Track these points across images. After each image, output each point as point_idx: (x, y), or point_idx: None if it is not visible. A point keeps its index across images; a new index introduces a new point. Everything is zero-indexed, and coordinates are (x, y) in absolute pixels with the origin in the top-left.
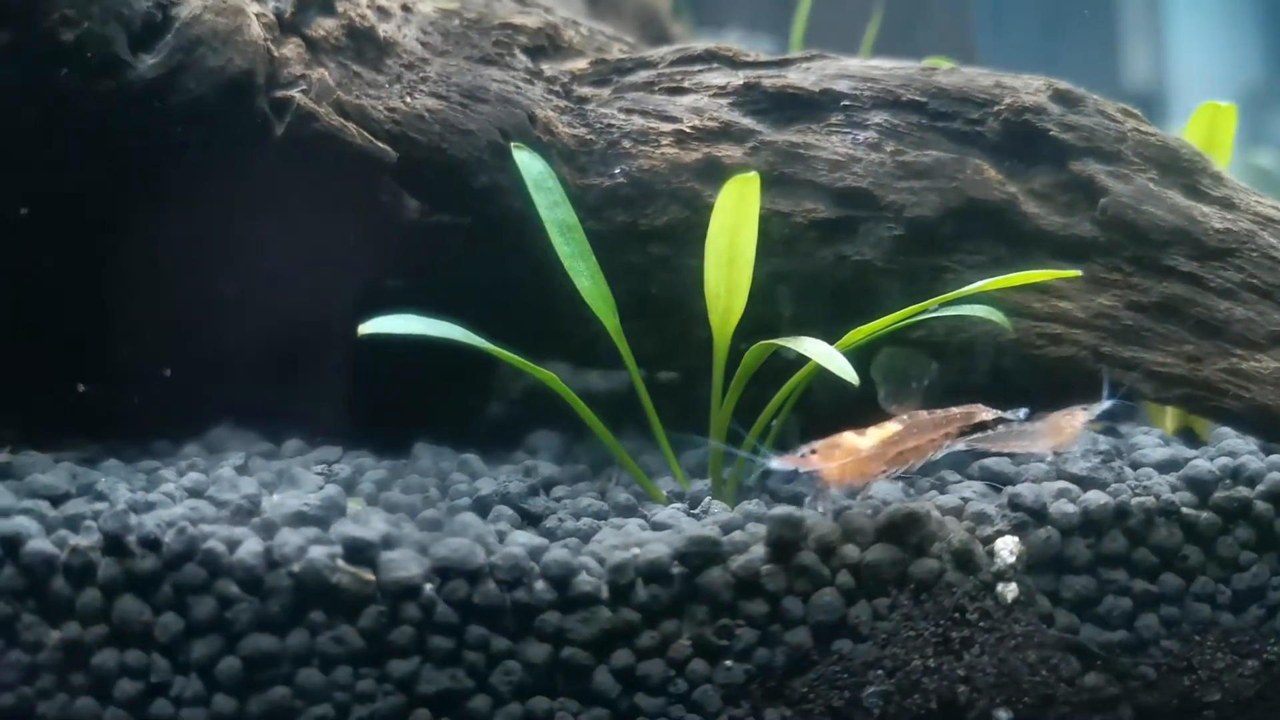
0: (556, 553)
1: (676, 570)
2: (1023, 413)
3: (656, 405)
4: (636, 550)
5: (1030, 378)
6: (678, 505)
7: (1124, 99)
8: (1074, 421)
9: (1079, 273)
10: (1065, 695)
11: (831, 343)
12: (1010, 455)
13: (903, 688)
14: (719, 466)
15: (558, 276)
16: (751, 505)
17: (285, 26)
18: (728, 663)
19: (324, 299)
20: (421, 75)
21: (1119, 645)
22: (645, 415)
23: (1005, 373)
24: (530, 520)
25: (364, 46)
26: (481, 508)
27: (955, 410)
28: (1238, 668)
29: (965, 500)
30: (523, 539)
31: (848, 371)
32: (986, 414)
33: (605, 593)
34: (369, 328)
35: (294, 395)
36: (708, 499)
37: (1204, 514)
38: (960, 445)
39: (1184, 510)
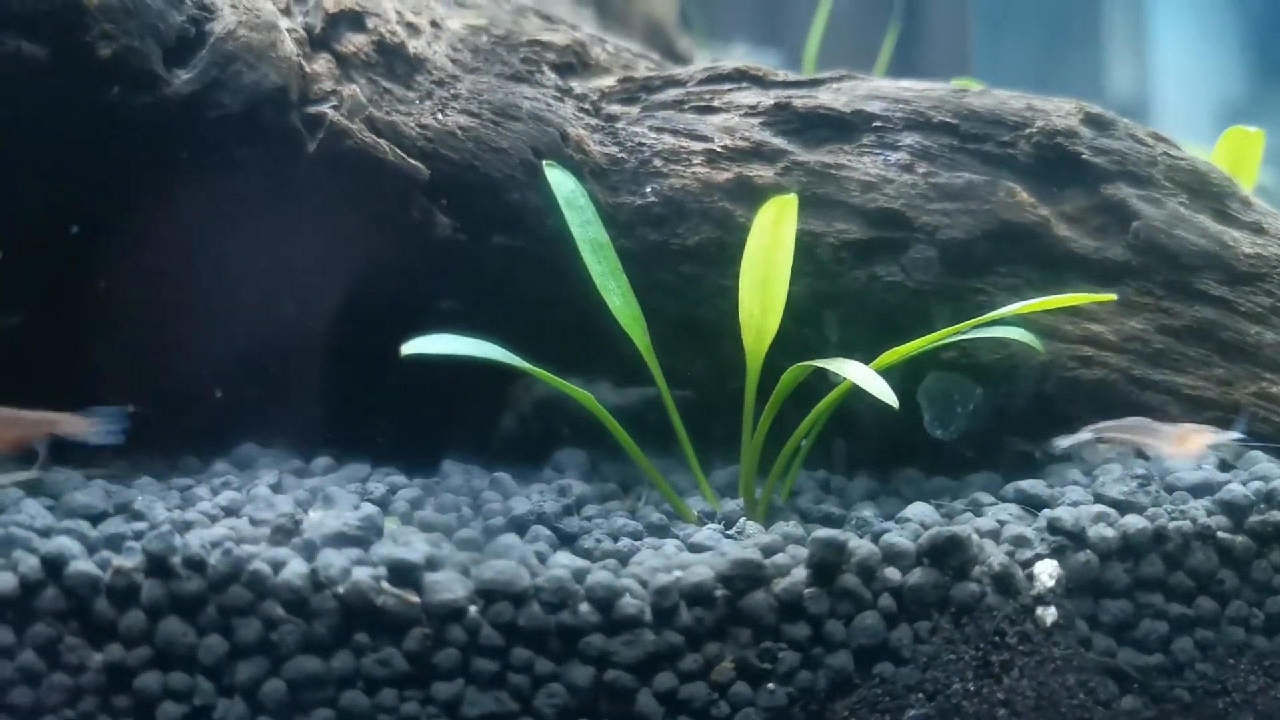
0: (600, 575)
1: (720, 593)
2: None
3: (690, 423)
4: (679, 573)
5: (1064, 400)
6: (713, 526)
7: (1128, 109)
8: (1202, 439)
9: (1115, 296)
10: (1102, 718)
11: (864, 364)
12: (1126, 447)
13: (943, 711)
14: (751, 486)
15: (590, 294)
16: (789, 526)
17: (315, 42)
18: (770, 685)
19: (355, 315)
20: (453, 92)
21: (1155, 668)
22: (670, 433)
23: (1040, 395)
24: (566, 540)
25: (394, 63)
26: (517, 527)
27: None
28: (1271, 690)
29: (1002, 523)
30: (565, 560)
31: (887, 394)
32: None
33: (649, 615)
34: (412, 348)
35: (319, 411)
36: (742, 520)
37: (1239, 538)
38: (1086, 432)
39: (1220, 534)
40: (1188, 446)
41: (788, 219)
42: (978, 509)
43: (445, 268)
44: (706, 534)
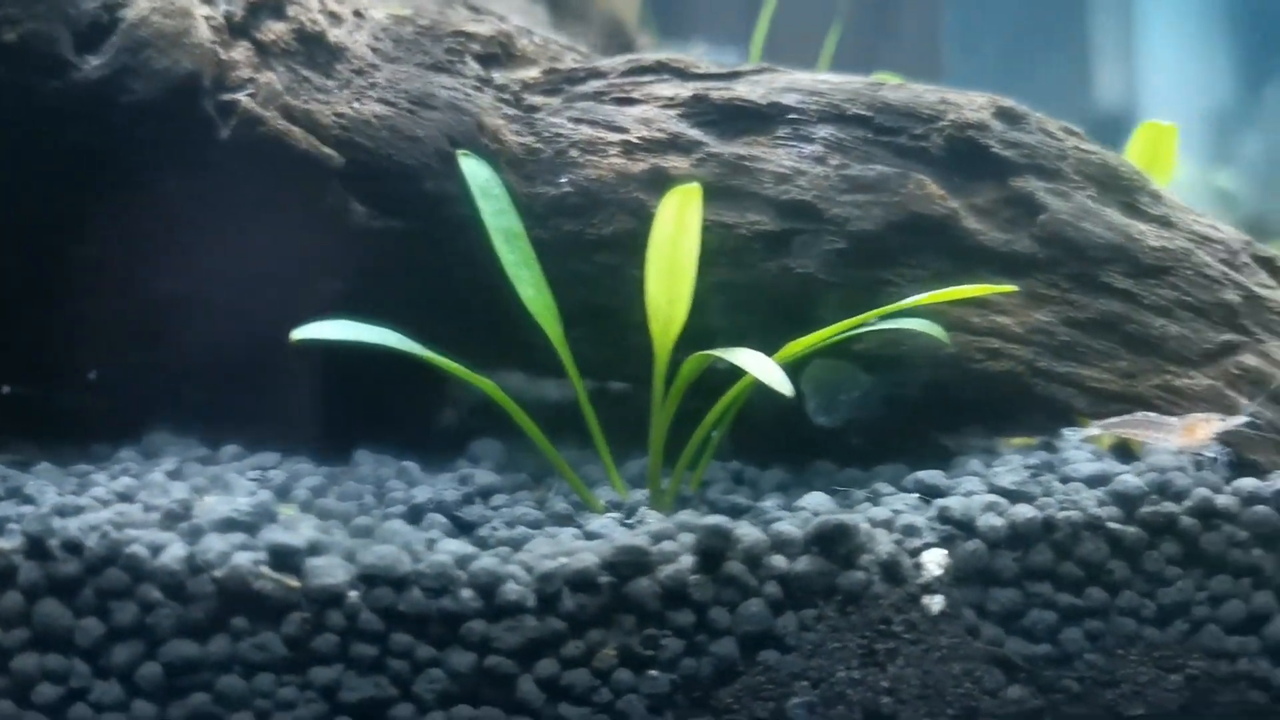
0: (484, 561)
1: (604, 580)
2: None
3: (612, 415)
4: (565, 559)
5: (970, 392)
6: (612, 515)
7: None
8: (1209, 427)
9: (1015, 288)
10: (989, 707)
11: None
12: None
13: (828, 698)
14: (658, 476)
15: (507, 284)
16: (684, 515)
17: (235, 30)
18: (653, 672)
19: (268, 303)
20: (371, 81)
21: (1043, 658)
22: (612, 424)
23: (944, 386)
24: (464, 528)
25: (314, 51)
26: (416, 515)
27: None
28: (1161, 682)
29: (897, 512)
30: (452, 547)
31: (783, 384)
32: None
33: (532, 601)
34: (301, 333)
35: (238, 400)
36: (642, 509)
37: (1130, 529)
38: (1095, 428)
39: (1110, 525)
40: (1195, 436)
41: (692, 208)
42: (876, 499)
43: (361, 256)
44: (603, 523)
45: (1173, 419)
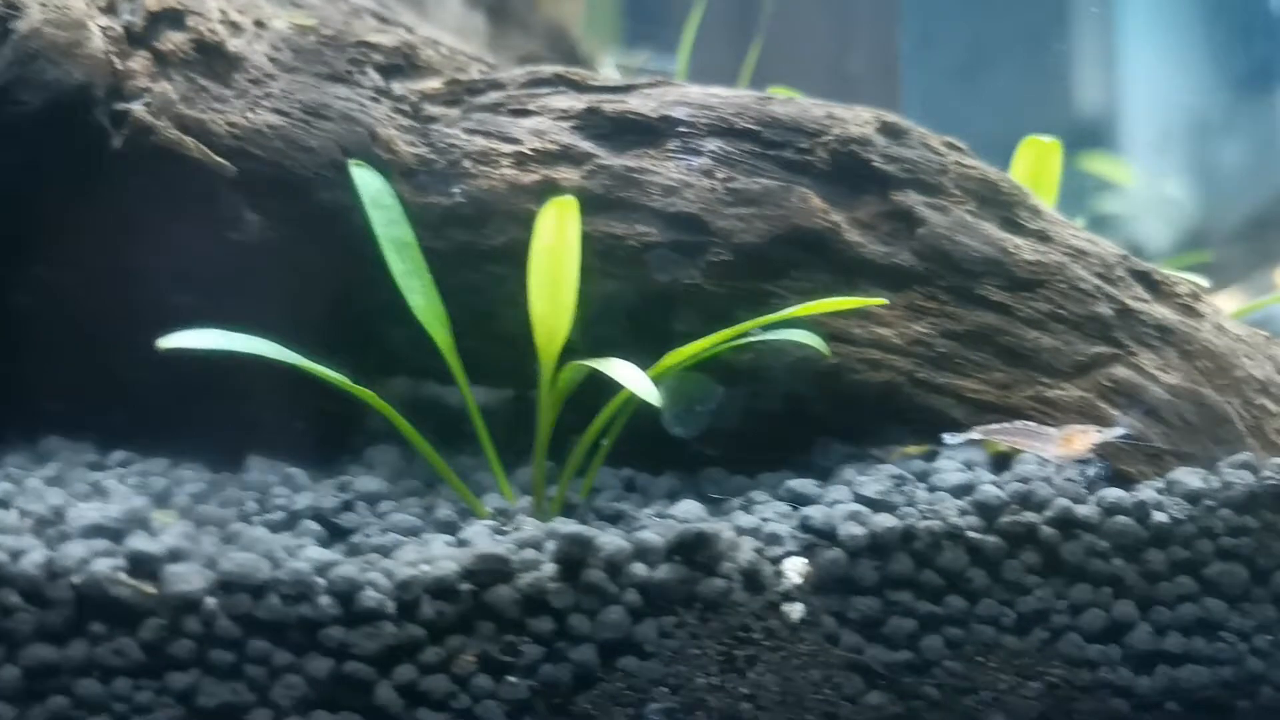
0: (344, 568)
1: (464, 587)
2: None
3: (517, 424)
4: (426, 567)
5: (853, 402)
6: (489, 522)
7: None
8: (1086, 438)
9: (885, 300)
10: (849, 714)
11: None
12: (1018, 450)
13: (687, 705)
14: (542, 484)
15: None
16: (558, 523)
17: (134, 40)
18: (512, 678)
19: (162, 312)
20: (266, 91)
21: (903, 665)
22: (524, 432)
23: (829, 395)
24: (339, 535)
25: (213, 61)
26: (293, 522)
27: None
28: (1020, 689)
29: (765, 520)
30: (313, 554)
31: (651, 394)
32: None
33: (391, 608)
34: (169, 342)
35: (137, 408)
36: (520, 516)
37: (990, 538)
38: (976, 433)
39: (970, 534)
40: (1073, 447)
41: (570, 220)
42: (749, 506)
43: (254, 266)
44: (476, 530)
45: (1051, 429)
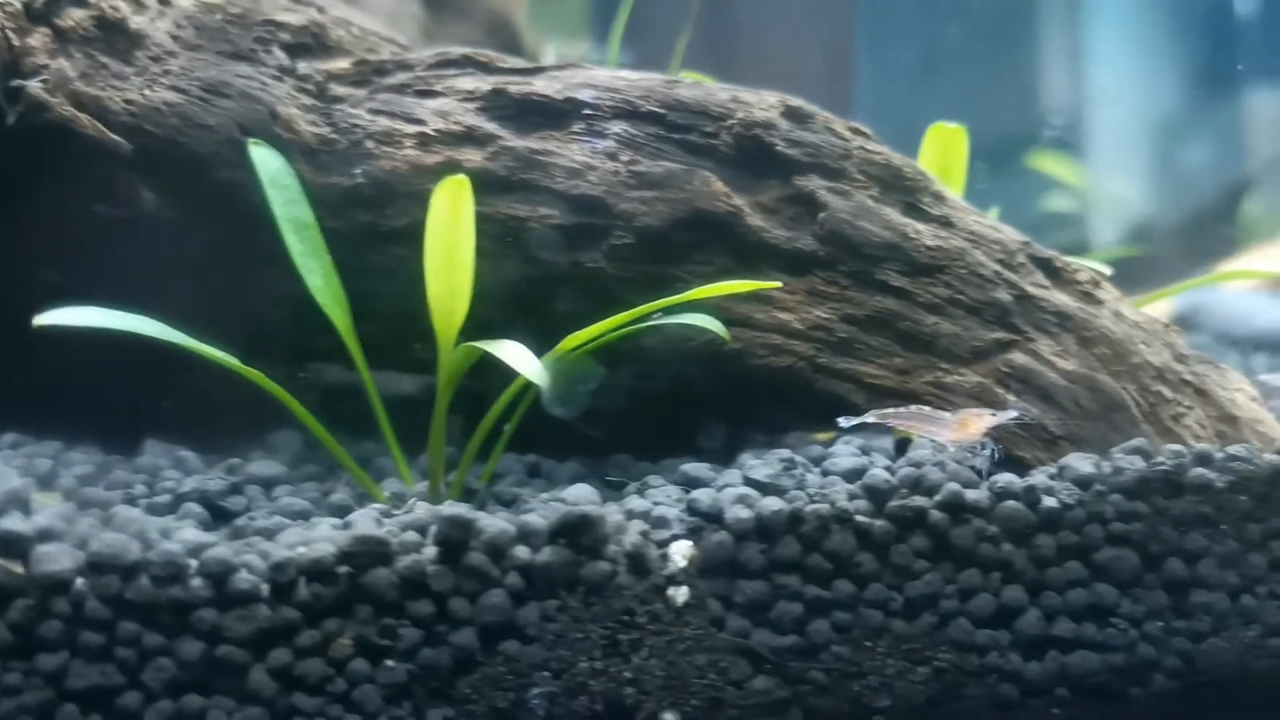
0: (217, 550)
1: (341, 570)
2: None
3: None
4: (302, 549)
5: (756, 386)
6: (379, 506)
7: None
8: (980, 422)
9: (780, 284)
10: (734, 698)
11: None
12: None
13: (569, 689)
14: (439, 468)
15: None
16: (447, 507)
17: (35, 16)
18: (390, 662)
19: (54, 291)
20: (166, 68)
21: (790, 650)
22: (384, 414)
23: (731, 380)
24: (223, 518)
25: (114, 38)
26: (177, 504)
27: None
28: (908, 674)
29: (656, 504)
30: (189, 536)
31: (539, 375)
32: None
33: (265, 591)
34: (46, 319)
35: (36, 391)
36: (413, 500)
37: (878, 522)
38: (870, 417)
39: (858, 518)
40: (968, 431)
41: (463, 201)
42: (644, 490)
43: (151, 244)
44: (365, 514)
45: (946, 413)
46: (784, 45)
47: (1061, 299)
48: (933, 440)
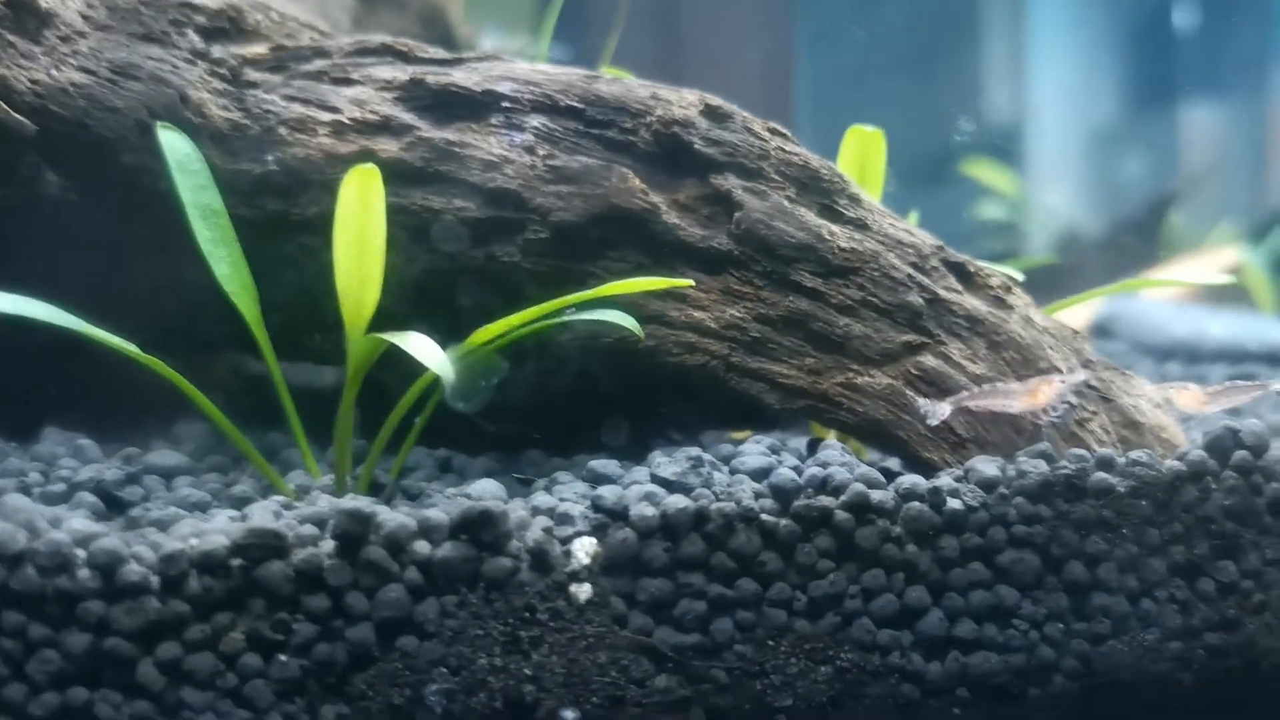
0: (106, 541)
1: (235, 563)
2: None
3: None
4: (194, 541)
5: (670, 385)
6: (280, 498)
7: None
8: (1051, 386)
9: (692, 282)
10: (635, 696)
11: None
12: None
13: (468, 686)
14: (345, 460)
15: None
16: (347, 501)
17: None
18: (283, 657)
19: None
20: (75, 49)
21: (692, 648)
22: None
23: (645, 377)
24: (118, 508)
25: (23, 16)
26: (71, 494)
27: None
28: (811, 673)
29: (562, 500)
30: (77, 525)
31: (445, 369)
32: None
33: (155, 583)
34: None
35: None
36: (315, 492)
37: (784, 521)
38: (947, 405)
39: (764, 517)
40: (1039, 398)
41: (373, 190)
42: (552, 486)
43: (55, 228)
44: (264, 506)
45: (1015, 386)
46: (724, 50)
47: (973, 303)
48: (1005, 413)
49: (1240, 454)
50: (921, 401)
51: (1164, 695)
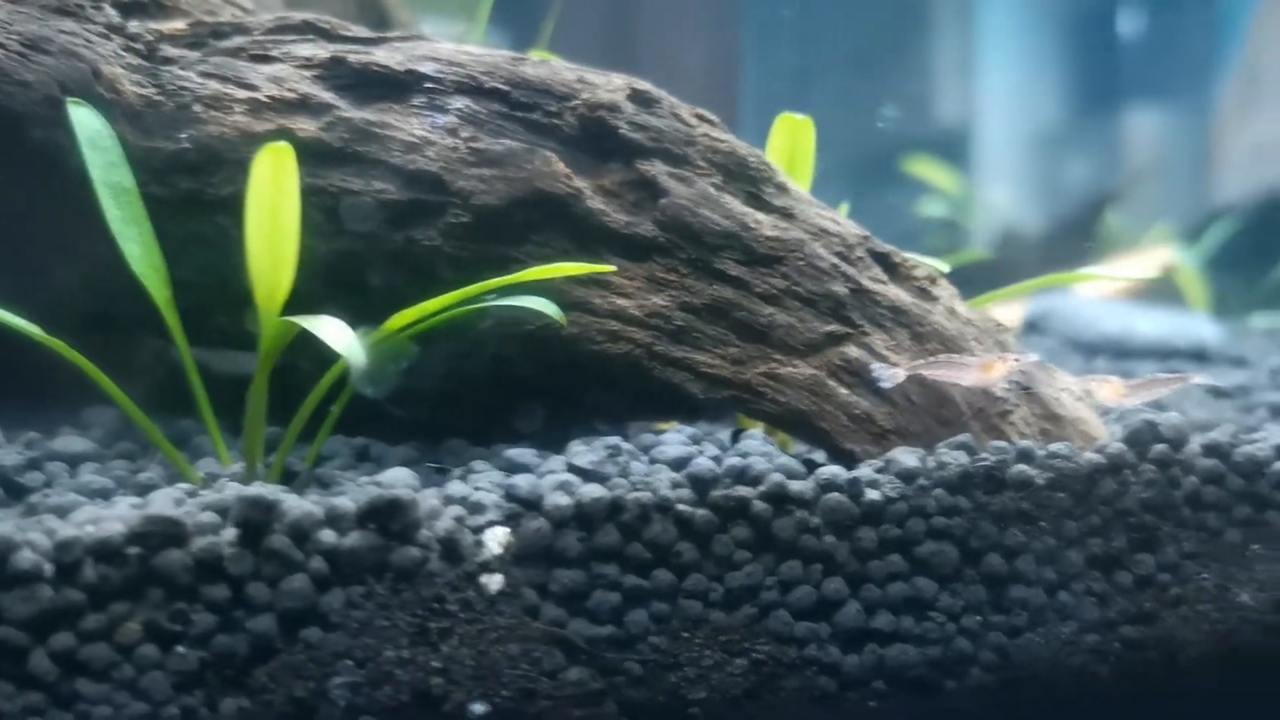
0: None
1: (132, 551)
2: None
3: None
4: (90, 528)
5: (593, 373)
6: (184, 486)
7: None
8: (1004, 365)
9: (613, 267)
10: (547, 689)
11: None
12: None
13: (374, 678)
14: (256, 448)
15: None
16: (254, 489)
17: None
18: (181, 649)
19: None
20: None
21: (606, 640)
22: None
23: (570, 365)
24: (16, 494)
25: None
26: None
27: None
28: (726, 666)
29: (476, 489)
30: None
31: (355, 354)
32: None
33: (49, 571)
34: None
35: None
36: (223, 480)
37: (700, 511)
38: (902, 369)
39: (680, 507)
40: (990, 375)
41: (286, 170)
42: (467, 475)
43: None
44: (168, 493)
45: (970, 359)
46: (670, 47)
47: (897, 294)
48: (962, 382)
49: (1159, 447)
50: (876, 365)
51: (1080, 688)
